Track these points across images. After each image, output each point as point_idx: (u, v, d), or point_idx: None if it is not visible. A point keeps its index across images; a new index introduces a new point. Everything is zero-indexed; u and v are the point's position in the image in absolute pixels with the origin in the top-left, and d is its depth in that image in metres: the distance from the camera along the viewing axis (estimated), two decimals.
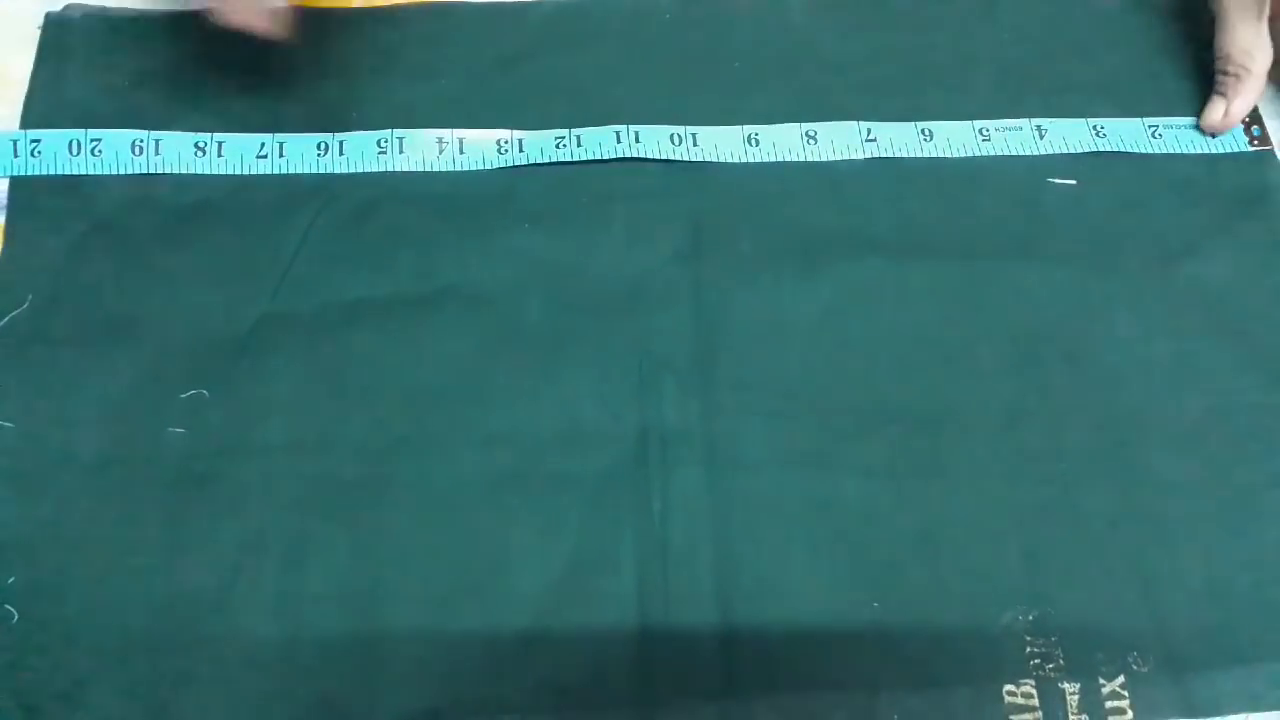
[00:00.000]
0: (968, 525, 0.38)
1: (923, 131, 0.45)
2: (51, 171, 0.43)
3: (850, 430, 0.39)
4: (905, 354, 0.41)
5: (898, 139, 0.45)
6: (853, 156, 0.45)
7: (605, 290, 0.42)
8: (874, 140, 0.45)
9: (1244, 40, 0.44)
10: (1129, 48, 0.48)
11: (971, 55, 0.48)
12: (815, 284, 0.42)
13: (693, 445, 0.39)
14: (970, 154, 0.45)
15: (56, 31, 0.47)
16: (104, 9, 0.48)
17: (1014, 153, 0.45)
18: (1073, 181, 0.44)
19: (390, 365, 0.40)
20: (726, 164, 0.45)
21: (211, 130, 0.45)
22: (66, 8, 0.47)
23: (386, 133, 0.45)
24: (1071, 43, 0.47)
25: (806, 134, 0.45)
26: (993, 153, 0.45)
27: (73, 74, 0.46)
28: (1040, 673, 0.36)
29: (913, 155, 0.45)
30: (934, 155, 0.45)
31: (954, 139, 0.45)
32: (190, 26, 0.47)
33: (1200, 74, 0.47)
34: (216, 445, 0.39)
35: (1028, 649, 0.36)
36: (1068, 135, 0.45)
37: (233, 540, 0.37)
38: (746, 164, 0.45)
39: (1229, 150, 0.45)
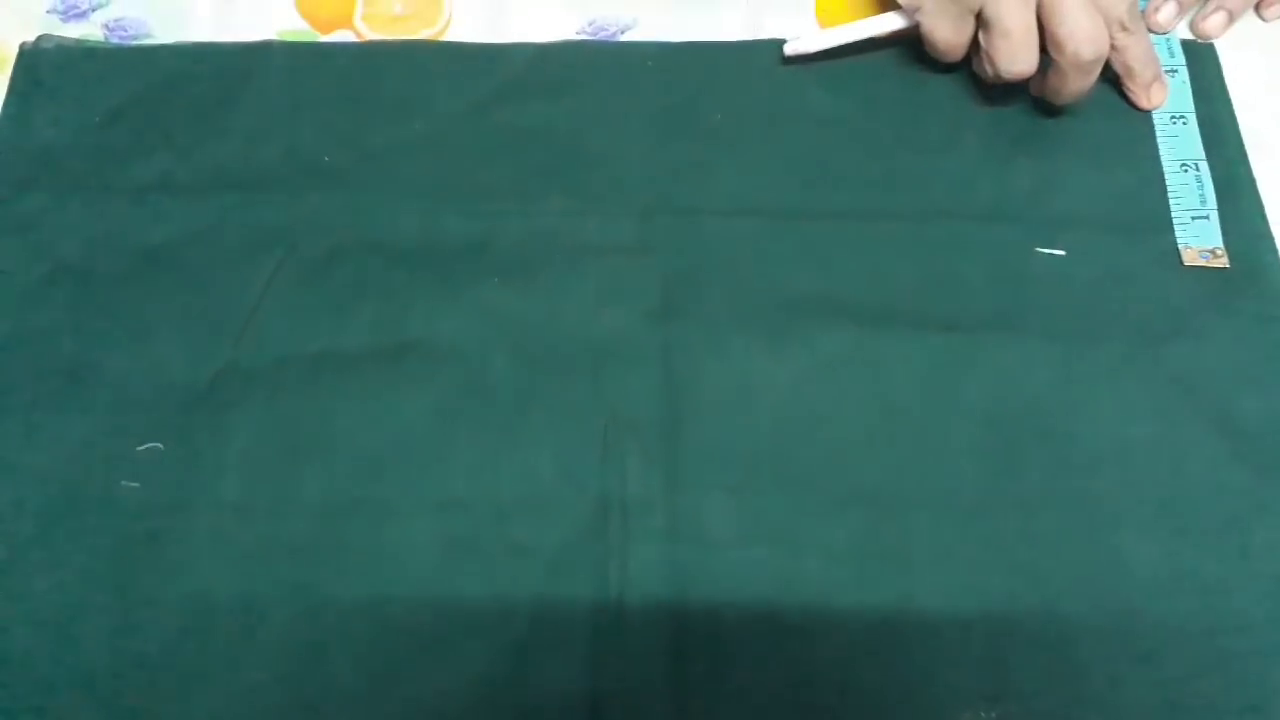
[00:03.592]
0: (931, 614, 0.37)
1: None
2: None
3: (815, 509, 0.38)
4: (875, 429, 0.40)
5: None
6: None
7: (573, 350, 0.41)
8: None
9: None
10: (1121, 108, 0.46)
11: (962, 111, 0.46)
12: (787, 351, 0.41)
13: (653, 519, 0.38)
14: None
15: (29, 63, 0.46)
16: (79, 41, 0.47)
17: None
18: (1061, 252, 0.43)
19: (348, 423, 0.40)
20: (704, 219, 0.44)
21: (181, 169, 0.44)
22: (40, 39, 0.46)
23: None
24: (1068, 109, 0.46)
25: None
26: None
27: (43, 108, 0.45)
28: None
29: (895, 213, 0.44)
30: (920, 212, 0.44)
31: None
32: (165, 60, 0.46)
33: None
34: (169, 501, 0.38)
35: None
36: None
37: (180, 600, 0.37)
38: (724, 221, 0.44)
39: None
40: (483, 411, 0.40)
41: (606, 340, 0.41)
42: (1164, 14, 0.48)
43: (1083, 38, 0.42)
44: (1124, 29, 0.44)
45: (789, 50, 0.46)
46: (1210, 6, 0.49)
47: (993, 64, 0.44)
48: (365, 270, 0.42)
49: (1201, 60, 0.48)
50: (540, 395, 0.40)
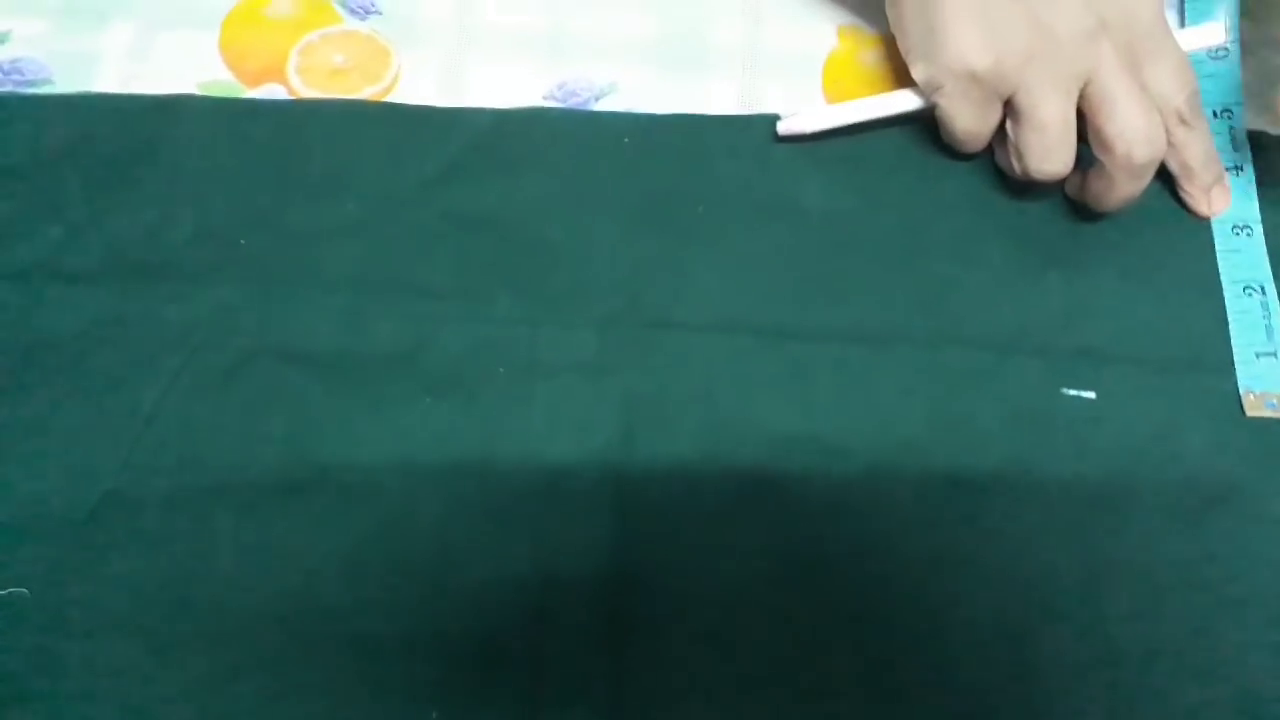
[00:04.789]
0: None
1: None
2: None
3: (790, 712, 0.32)
4: (866, 609, 0.33)
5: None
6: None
7: (513, 491, 0.35)
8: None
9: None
10: (1172, 216, 0.40)
11: (986, 213, 0.39)
12: (764, 506, 0.35)
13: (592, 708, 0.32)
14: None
15: None
16: None
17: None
18: (1090, 395, 0.36)
19: (242, 574, 0.34)
20: (677, 334, 0.37)
21: (71, 250, 0.38)
22: None
23: None
24: (1111, 216, 0.39)
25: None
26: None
27: None
28: None
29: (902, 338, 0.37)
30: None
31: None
32: (61, 115, 0.40)
33: None
34: (31, 663, 0.33)
35: None
36: None
37: None
38: (700, 337, 0.37)
39: None
40: (400, 570, 0.34)
41: (554, 481, 0.35)
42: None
43: (1136, 137, 0.36)
44: (1183, 122, 0.37)
45: (783, 129, 0.40)
46: None
47: (1021, 160, 0.37)
48: (276, 382, 0.36)
49: (1270, 157, 0.41)
50: (470, 549, 0.34)
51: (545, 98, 0.41)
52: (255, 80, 0.41)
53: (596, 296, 0.38)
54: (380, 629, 0.33)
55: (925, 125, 0.40)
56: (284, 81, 0.41)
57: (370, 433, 0.36)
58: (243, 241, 0.38)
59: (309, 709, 0.32)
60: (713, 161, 0.40)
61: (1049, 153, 0.37)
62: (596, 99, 0.41)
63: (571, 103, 0.41)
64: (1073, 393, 0.37)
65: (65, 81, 0.41)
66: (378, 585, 0.34)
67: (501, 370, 0.37)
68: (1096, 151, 0.37)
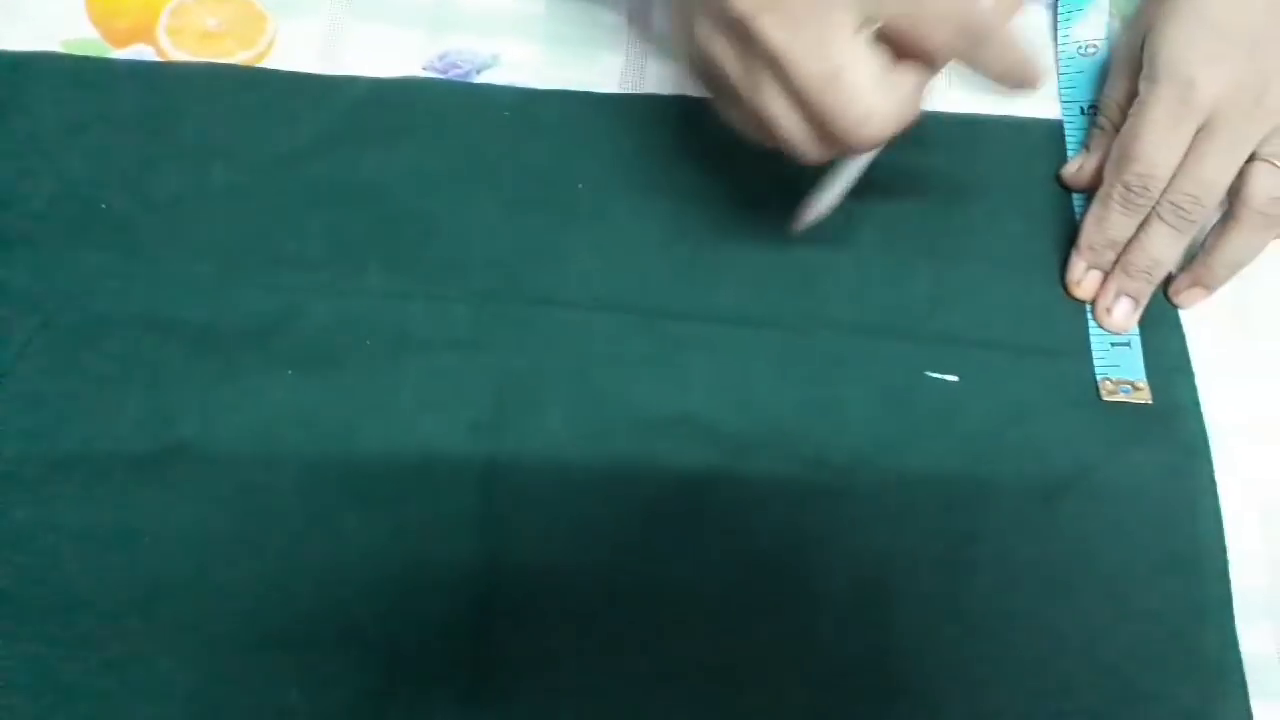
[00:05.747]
0: None
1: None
2: None
3: (654, 690, 0.32)
4: (726, 590, 0.34)
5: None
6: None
7: (380, 470, 0.35)
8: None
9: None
10: (1040, 208, 0.41)
11: (858, 200, 0.40)
12: (632, 485, 0.35)
13: (452, 685, 0.32)
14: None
15: None
16: None
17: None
18: (954, 378, 0.37)
19: (90, 548, 0.33)
20: (552, 311, 0.37)
21: None
22: None
23: None
24: (980, 206, 0.40)
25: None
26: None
27: None
28: None
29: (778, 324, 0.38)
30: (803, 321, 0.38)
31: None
32: None
33: None
34: None
35: None
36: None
37: None
38: (576, 315, 0.37)
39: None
40: (256, 547, 0.33)
41: (422, 459, 0.35)
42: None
43: (843, 123, 0.30)
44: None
45: (800, 226, 0.36)
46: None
47: None
48: (134, 350, 0.35)
49: None
50: (332, 529, 0.34)
51: (425, 68, 0.41)
52: (123, 40, 0.40)
53: (472, 272, 0.38)
54: (234, 607, 0.33)
55: None
56: (153, 43, 0.40)
57: (230, 405, 0.35)
58: (104, 205, 0.37)
59: (160, 688, 0.32)
60: (594, 140, 0.40)
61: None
62: (478, 71, 0.41)
63: (452, 74, 0.41)
64: (936, 376, 0.37)
65: None
66: (232, 562, 0.33)
67: (369, 345, 0.36)
68: None
